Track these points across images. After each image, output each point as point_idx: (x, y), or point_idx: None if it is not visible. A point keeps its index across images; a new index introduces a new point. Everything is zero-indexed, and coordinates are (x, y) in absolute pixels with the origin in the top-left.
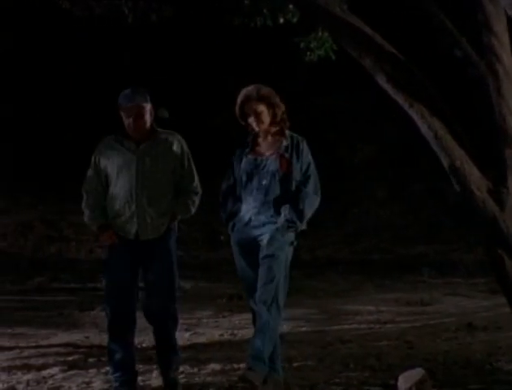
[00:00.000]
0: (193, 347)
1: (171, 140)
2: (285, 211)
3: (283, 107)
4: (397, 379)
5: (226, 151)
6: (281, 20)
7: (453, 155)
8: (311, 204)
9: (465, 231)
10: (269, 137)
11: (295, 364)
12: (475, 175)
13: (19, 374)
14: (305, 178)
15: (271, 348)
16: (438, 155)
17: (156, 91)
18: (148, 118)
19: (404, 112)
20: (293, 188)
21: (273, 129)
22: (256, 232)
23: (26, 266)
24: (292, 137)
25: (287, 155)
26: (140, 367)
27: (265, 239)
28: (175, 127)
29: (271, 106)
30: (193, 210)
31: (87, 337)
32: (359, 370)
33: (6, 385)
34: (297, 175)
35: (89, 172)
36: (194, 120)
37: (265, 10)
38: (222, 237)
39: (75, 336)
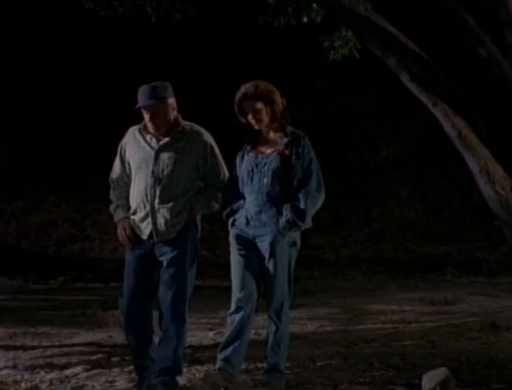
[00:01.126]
0: (217, 346)
1: (193, 135)
2: (286, 211)
3: (283, 103)
4: (420, 379)
5: None
6: (305, 19)
7: (476, 154)
8: (314, 202)
9: (488, 230)
10: (270, 134)
11: (319, 363)
12: (498, 174)
13: (43, 373)
14: (307, 175)
15: (286, 355)
16: (462, 154)
17: (179, 90)
18: (168, 114)
19: (428, 111)
20: (295, 185)
21: (274, 126)
22: (256, 232)
23: (49, 265)
24: (293, 134)
25: (288, 152)
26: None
27: (266, 241)
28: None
29: (269, 103)
30: (217, 206)
31: (110, 336)
32: (383, 370)
33: (29, 384)
34: (298, 173)
35: (116, 162)
36: (216, 120)
37: (289, 9)
38: None
39: (98, 335)
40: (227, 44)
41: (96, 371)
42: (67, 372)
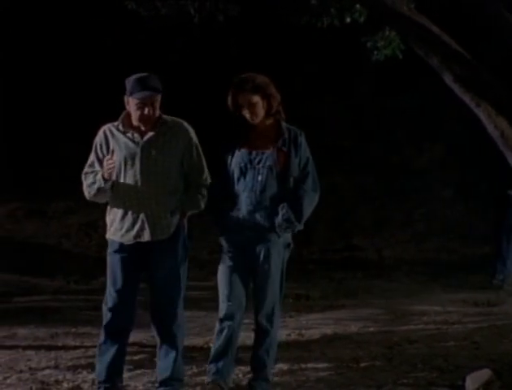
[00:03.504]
0: None
1: (177, 128)
2: (283, 210)
3: (278, 97)
4: (464, 380)
5: None
6: (348, 20)
7: None
8: (311, 202)
9: None
10: (264, 130)
11: (362, 364)
12: None
13: (85, 373)
14: (304, 174)
15: (274, 362)
16: (505, 154)
17: (221, 91)
18: (158, 107)
19: (471, 111)
20: (291, 185)
21: (268, 121)
22: (250, 232)
23: (90, 266)
24: (289, 130)
25: (285, 149)
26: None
27: (261, 242)
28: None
29: (266, 96)
30: (203, 205)
31: (152, 336)
32: (427, 371)
33: (71, 384)
34: (295, 171)
35: (91, 158)
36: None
37: (332, 10)
38: None
39: (140, 335)
40: (269, 45)
41: (138, 371)
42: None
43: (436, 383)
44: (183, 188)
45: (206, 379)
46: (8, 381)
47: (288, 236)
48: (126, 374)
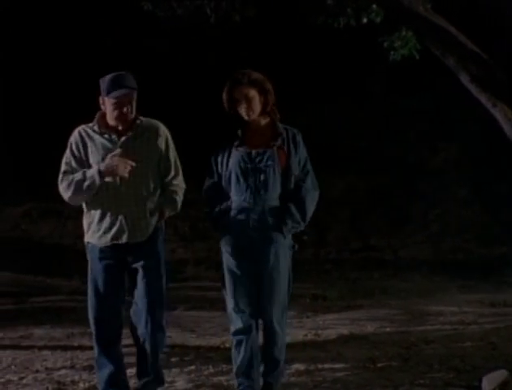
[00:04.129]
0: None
1: (155, 129)
2: (289, 210)
3: (274, 97)
4: (480, 381)
5: None
6: (365, 20)
7: None
8: (312, 201)
9: None
10: (260, 129)
11: (379, 365)
12: None
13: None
14: (304, 173)
15: (283, 365)
16: None
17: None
18: (134, 106)
19: (487, 111)
20: (292, 184)
21: (264, 120)
22: (255, 235)
23: None
24: (286, 130)
25: (285, 148)
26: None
27: (267, 244)
28: None
29: (263, 92)
30: (179, 208)
31: (169, 337)
32: (443, 371)
33: (87, 384)
34: (295, 170)
35: (68, 158)
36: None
37: (348, 10)
38: (305, 237)
39: None
40: (285, 45)
41: None
42: (126, 372)
43: (453, 384)
44: (160, 191)
45: None
46: (24, 381)
47: (290, 237)
48: None
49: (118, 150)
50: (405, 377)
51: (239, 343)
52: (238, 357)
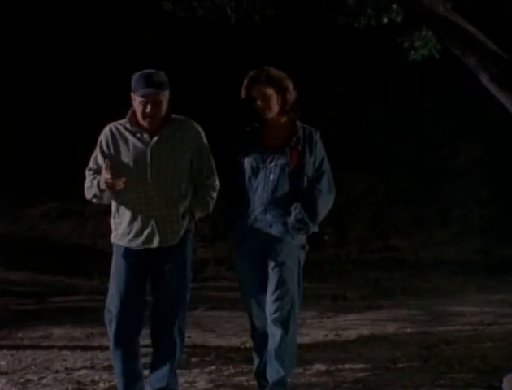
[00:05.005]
0: (297, 347)
1: (188, 128)
2: (296, 210)
3: (294, 94)
4: (501, 381)
5: None
6: (385, 20)
7: None
8: (325, 203)
9: None
10: (278, 127)
11: (400, 365)
12: None
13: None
14: (319, 174)
15: (292, 369)
16: None
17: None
18: (166, 106)
19: (507, 111)
20: (305, 184)
21: (282, 119)
22: (262, 234)
23: None
24: (303, 128)
25: (299, 148)
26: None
27: (273, 243)
28: None
29: (281, 90)
30: (211, 208)
31: (189, 337)
32: (464, 372)
33: (107, 384)
34: (309, 171)
35: (95, 154)
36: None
37: (369, 10)
38: (326, 237)
39: None
40: (306, 45)
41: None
42: (146, 372)
43: (473, 384)
44: (192, 193)
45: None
46: (44, 381)
47: (302, 238)
48: None
49: (106, 161)
50: (425, 377)
51: (260, 343)
52: (257, 358)
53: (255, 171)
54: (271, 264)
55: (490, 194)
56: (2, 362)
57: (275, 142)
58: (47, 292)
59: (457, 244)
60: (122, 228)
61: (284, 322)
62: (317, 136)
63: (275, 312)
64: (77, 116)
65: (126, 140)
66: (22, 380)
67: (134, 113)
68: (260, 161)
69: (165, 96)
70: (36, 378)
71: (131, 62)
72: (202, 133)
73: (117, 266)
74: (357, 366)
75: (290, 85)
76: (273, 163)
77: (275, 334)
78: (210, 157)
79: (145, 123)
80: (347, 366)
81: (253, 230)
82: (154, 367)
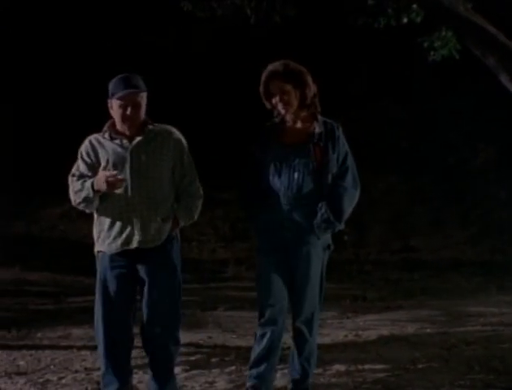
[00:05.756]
0: (317, 348)
1: (168, 134)
2: (322, 210)
3: (314, 89)
4: None
5: None
6: (405, 20)
7: None
8: (351, 200)
9: None
10: (298, 123)
11: (419, 366)
12: None
13: (141, 373)
14: (343, 170)
15: (314, 370)
16: None
17: None
18: (143, 108)
19: None
20: (329, 181)
21: (302, 114)
22: (287, 234)
23: None
24: (325, 123)
25: (321, 144)
26: None
27: (299, 244)
28: None
29: (299, 85)
30: (196, 217)
31: (210, 337)
32: (484, 373)
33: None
34: (333, 167)
35: (77, 165)
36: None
37: (389, 10)
38: (346, 237)
39: (197, 336)
40: (325, 45)
41: (195, 372)
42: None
43: (493, 385)
44: (174, 198)
45: (247, 384)
46: (63, 381)
47: (327, 237)
48: (182, 375)
49: (103, 163)
50: (445, 378)
51: (262, 335)
52: (257, 349)
53: (278, 169)
54: (296, 265)
55: (509, 194)
56: (22, 362)
57: (297, 139)
58: (66, 292)
59: (477, 244)
60: (103, 234)
61: (309, 324)
62: (339, 131)
63: (301, 314)
64: (95, 117)
65: (105, 148)
66: (41, 380)
67: (113, 123)
68: (283, 158)
69: (143, 98)
70: (55, 378)
71: (146, 61)
72: (183, 140)
73: (102, 280)
74: (377, 366)
75: (309, 79)
76: (296, 161)
77: (299, 338)
78: (193, 164)
79: (124, 129)
80: (367, 366)
81: (277, 229)
82: (151, 379)
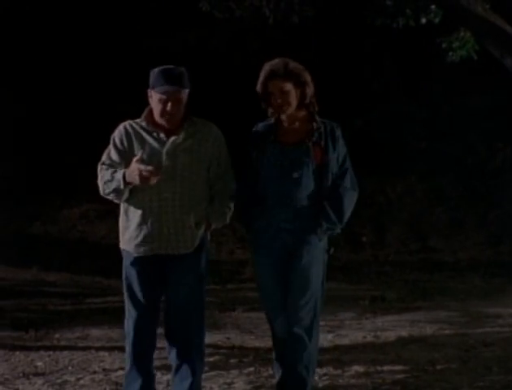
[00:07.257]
0: (336, 349)
1: (208, 132)
2: (324, 211)
3: (313, 88)
4: None
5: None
6: (423, 20)
7: None
8: (351, 201)
9: None
10: (296, 123)
11: (438, 367)
12: None
13: (159, 374)
14: (343, 171)
15: (313, 376)
16: None
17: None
18: (185, 105)
19: None
20: (329, 182)
21: (301, 113)
22: (289, 237)
23: None
24: (324, 123)
25: (321, 143)
26: None
27: (302, 247)
28: None
29: (299, 84)
30: (229, 219)
31: (228, 338)
32: (502, 374)
33: None
34: (333, 168)
35: (110, 153)
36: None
37: (407, 11)
38: (364, 238)
39: (216, 337)
40: (344, 46)
41: (213, 373)
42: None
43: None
44: (208, 200)
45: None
46: (81, 382)
47: (326, 240)
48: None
49: (139, 154)
50: (464, 379)
51: (280, 352)
52: (280, 369)
53: (277, 170)
54: (295, 267)
55: None
56: (40, 363)
57: (295, 138)
58: (84, 292)
59: (495, 245)
60: (129, 232)
61: (309, 330)
62: (339, 132)
63: (299, 320)
64: (114, 119)
65: (141, 139)
66: (59, 381)
67: (151, 111)
68: (282, 158)
69: (185, 94)
70: (73, 379)
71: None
72: (223, 138)
73: (127, 276)
74: (396, 367)
75: (309, 78)
76: (296, 161)
77: (298, 341)
78: (229, 165)
79: (162, 122)
80: (386, 367)
81: (276, 231)
82: (175, 382)
